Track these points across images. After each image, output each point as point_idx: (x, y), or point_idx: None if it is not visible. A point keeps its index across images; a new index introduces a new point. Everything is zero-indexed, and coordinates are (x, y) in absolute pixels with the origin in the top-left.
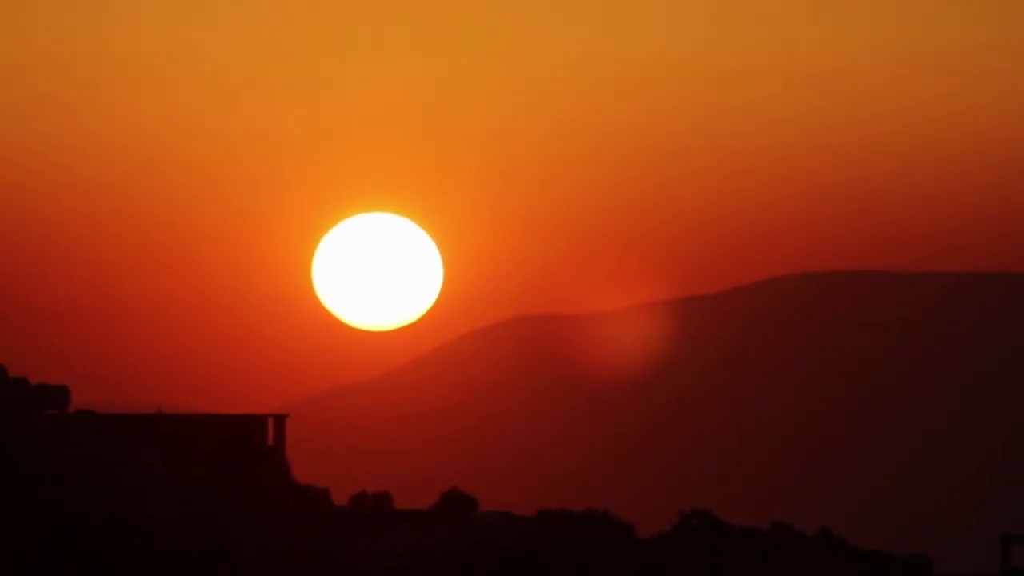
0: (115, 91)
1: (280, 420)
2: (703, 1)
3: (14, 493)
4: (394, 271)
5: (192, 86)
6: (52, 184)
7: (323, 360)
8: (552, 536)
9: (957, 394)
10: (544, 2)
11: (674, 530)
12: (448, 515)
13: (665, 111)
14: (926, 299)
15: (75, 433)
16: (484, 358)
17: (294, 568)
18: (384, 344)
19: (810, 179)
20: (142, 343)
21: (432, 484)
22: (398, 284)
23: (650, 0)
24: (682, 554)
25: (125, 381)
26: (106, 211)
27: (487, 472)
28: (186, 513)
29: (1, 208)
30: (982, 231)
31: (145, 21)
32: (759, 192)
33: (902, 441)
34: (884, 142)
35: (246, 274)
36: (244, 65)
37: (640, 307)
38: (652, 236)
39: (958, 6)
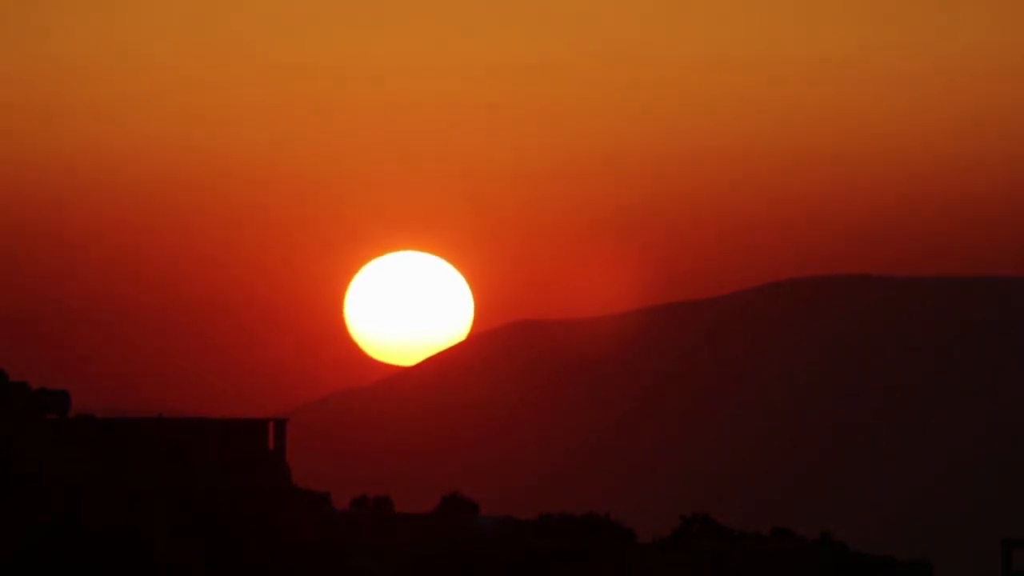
0: (141, 100)
1: (281, 424)
2: (705, 2)
3: (14, 497)
4: (423, 313)
5: (234, 116)
6: (65, 193)
7: (324, 364)
8: (553, 540)
9: (957, 397)
10: (536, 15)
11: (675, 535)
12: (449, 519)
13: (667, 115)
14: (924, 303)
15: (75, 437)
16: (484, 362)
17: (295, 572)
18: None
19: (809, 183)
20: (145, 348)
21: (433, 488)
22: (426, 324)
23: (647, 5)
24: (683, 559)
25: (125, 385)
26: (122, 218)
27: (488, 476)
28: (186, 517)
29: (11, 211)
30: (985, 235)
31: (196, 48)
32: (759, 196)
33: (902, 445)
34: (884, 146)
35: (250, 285)
36: (291, 104)
37: (640, 312)
38: (652, 241)
39: (957, 7)
